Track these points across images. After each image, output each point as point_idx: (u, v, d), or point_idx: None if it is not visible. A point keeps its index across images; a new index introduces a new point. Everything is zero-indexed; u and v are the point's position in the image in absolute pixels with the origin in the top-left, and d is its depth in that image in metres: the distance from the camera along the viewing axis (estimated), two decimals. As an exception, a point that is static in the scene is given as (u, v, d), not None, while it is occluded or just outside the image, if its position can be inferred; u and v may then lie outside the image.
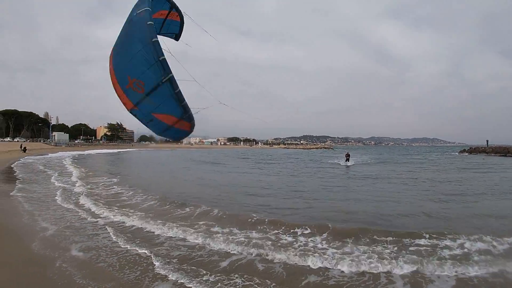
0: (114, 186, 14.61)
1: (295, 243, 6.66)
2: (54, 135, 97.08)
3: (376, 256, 5.80)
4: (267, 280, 4.98)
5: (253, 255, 6.00)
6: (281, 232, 7.43)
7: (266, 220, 8.29)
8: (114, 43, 4.61)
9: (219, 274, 5.17)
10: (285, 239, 6.91)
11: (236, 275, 5.15)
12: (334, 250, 6.16)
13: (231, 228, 7.66)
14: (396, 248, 6.25)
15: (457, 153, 72.00)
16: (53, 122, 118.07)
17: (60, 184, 14.77)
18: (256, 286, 4.83)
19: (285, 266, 5.55)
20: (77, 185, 14.73)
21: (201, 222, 8.22)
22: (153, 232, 7.35)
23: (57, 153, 53.19)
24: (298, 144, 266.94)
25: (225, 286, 4.80)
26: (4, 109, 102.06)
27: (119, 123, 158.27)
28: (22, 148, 48.53)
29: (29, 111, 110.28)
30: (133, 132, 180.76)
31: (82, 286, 4.68)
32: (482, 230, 7.27)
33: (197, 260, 5.78)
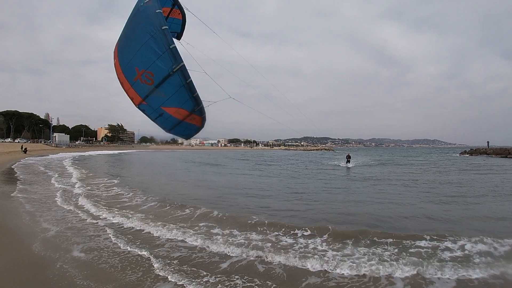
0: (114, 188, 14.62)
1: (295, 245, 6.66)
2: (55, 136, 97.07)
3: (377, 258, 5.79)
4: (267, 282, 4.98)
5: (253, 256, 5.99)
6: (281, 233, 7.42)
7: (266, 222, 8.28)
8: (117, 40, 4.46)
9: (219, 275, 5.17)
10: (285, 241, 6.90)
11: (237, 276, 5.15)
12: (335, 252, 6.14)
13: (231, 230, 7.66)
14: (396, 250, 6.24)
15: (458, 155, 72.03)
16: (54, 123, 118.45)
17: (60, 186, 14.78)
18: (256, 287, 4.83)
19: (285, 267, 5.54)
20: (77, 186, 14.74)
21: (201, 224, 8.21)
22: (153, 234, 7.34)
23: (57, 154, 53.26)
24: (299, 146, 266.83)
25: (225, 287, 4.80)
26: (5, 110, 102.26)
27: (120, 124, 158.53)
28: (23, 149, 48.60)
29: (29, 112, 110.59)
30: (133, 133, 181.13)
31: (83, 287, 4.69)
32: (483, 232, 7.26)
33: (198, 262, 5.78)
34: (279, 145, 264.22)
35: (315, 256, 5.86)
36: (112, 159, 45.81)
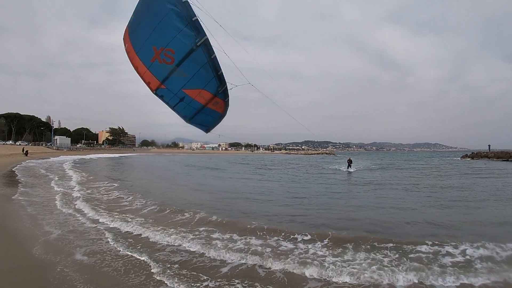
0: (114, 191, 14.61)
1: (295, 250, 6.62)
2: (56, 139, 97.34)
3: (378, 264, 5.74)
4: (268, 286, 4.96)
5: (254, 261, 5.96)
6: (281, 238, 7.38)
7: (266, 226, 8.25)
8: (126, 26, 4.13)
9: (220, 280, 5.15)
10: (285, 246, 6.86)
11: (237, 281, 5.13)
12: (335, 258, 6.09)
13: (231, 234, 7.63)
14: (397, 256, 6.19)
15: (459, 158, 71.74)
16: (55, 126, 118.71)
17: (61, 189, 14.78)
18: (257, 292, 4.80)
19: (285, 272, 5.51)
20: (78, 190, 14.74)
21: (201, 229, 8.19)
22: (153, 238, 7.31)
23: (59, 157, 53.35)
24: (300, 150, 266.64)
25: (225, 292, 4.78)
26: (7, 112, 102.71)
27: (121, 127, 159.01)
28: (24, 152, 48.73)
29: (31, 114, 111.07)
30: (134, 137, 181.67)
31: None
32: (485, 237, 7.22)
33: (198, 266, 5.76)
34: (280, 149, 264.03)
35: (315, 262, 5.82)
36: (113, 163, 45.84)
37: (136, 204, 11.53)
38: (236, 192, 16.19)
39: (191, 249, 6.59)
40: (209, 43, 3.58)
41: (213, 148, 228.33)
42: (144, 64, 3.93)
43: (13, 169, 24.96)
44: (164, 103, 4.17)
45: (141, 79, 4.07)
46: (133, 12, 4.13)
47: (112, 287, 4.85)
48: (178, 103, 4.06)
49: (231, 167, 41.49)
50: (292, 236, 7.48)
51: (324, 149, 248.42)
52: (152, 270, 5.45)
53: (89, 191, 14.61)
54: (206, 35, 3.55)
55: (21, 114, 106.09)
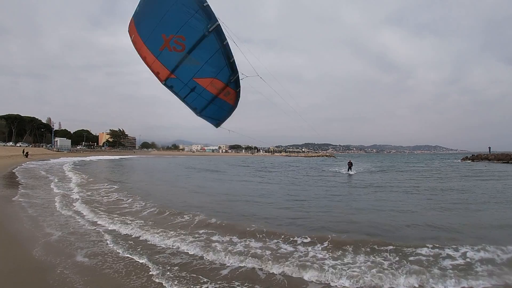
0: (114, 193, 14.59)
1: (295, 253, 6.59)
2: (57, 141, 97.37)
3: (377, 267, 5.71)
4: (269, 288, 4.94)
5: (253, 264, 5.93)
6: (281, 241, 7.34)
7: (266, 229, 8.21)
8: (131, 16, 3.99)
9: (219, 282, 5.14)
10: (285, 249, 6.84)
11: (237, 283, 5.12)
12: (334, 262, 6.06)
13: (231, 237, 7.63)
14: (397, 259, 6.16)
15: (459, 161, 71.61)
16: (56, 127, 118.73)
17: (60, 191, 14.77)
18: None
19: (285, 275, 5.49)
20: (77, 191, 14.74)
21: (200, 231, 8.16)
22: (153, 240, 7.30)
23: (59, 158, 53.34)
24: (300, 152, 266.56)
25: (225, 294, 4.76)
26: (7, 113, 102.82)
27: (121, 129, 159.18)
28: (24, 153, 48.70)
29: (31, 116, 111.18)
30: (135, 139, 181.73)
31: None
32: (486, 240, 7.19)
33: (197, 268, 5.75)
34: (280, 151, 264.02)
35: (315, 265, 5.79)
36: (113, 165, 45.83)
37: (136, 206, 11.51)
38: (236, 194, 16.17)
39: (191, 252, 6.57)
40: (221, 29, 3.48)
41: (213, 151, 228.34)
42: (152, 53, 3.79)
43: (13, 171, 24.99)
44: (174, 95, 4.02)
45: (150, 70, 3.93)
46: (139, 2, 4.02)
47: (112, 289, 4.84)
48: (189, 94, 3.93)
49: (231, 169, 41.48)
50: (291, 239, 7.45)
51: (325, 152, 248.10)
52: (151, 273, 5.43)
53: (89, 193, 14.60)
54: (218, 20, 3.46)
55: (22, 115, 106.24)
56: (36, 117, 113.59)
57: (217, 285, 5.01)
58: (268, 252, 6.54)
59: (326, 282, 5.25)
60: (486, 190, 17.57)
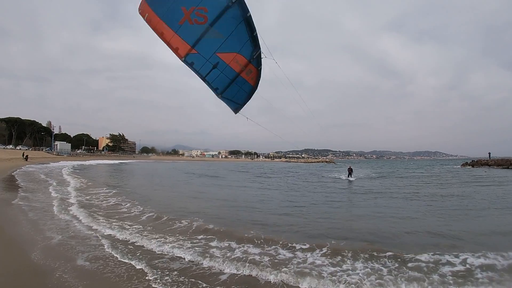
0: (112, 198, 14.55)
1: (293, 259, 6.55)
2: (56, 145, 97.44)
3: (376, 274, 5.68)
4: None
5: (252, 270, 5.89)
6: (279, 247, 7.29)
7: (265, 235, 8.19)
8: None
9: (219, 287, 5.11)
10: (283, 255, 6.80)
11: (237, 288, 5.08)
12: (333, 268, 6.03)
13: (229, 243, 7.59)
14: (397, 265, 6.13)
15: (459, 166, 71.30)
16: (56, 131, 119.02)
17: (59, 195, 14.72)
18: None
19: (284, 281, 5.45)
20: (76, 196, 14.69)
21: (199, 237, 8.13)
22: (151, 246, 7.25)
23: (58, 162, 53.39)
24: (300, 158, 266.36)
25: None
26: (8, 116, 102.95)
27: (121, 134, 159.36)
28: (24, 157, 48.75)
29: (32, 119, 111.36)
30: (135, 144, 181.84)
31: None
32: (486, 246, 7.17)
33: (196, 274, 5.72)
34: (280, 157, 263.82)
35: (313, 272, 5.75)
36: (112, 169, 45.79)
37: (134, 211, 11.47)
38: (234, 200, 16.12)
39: (189, 257, 6.53)
40: (244, 0, 3.36)
41: (213, 156, 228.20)
42: (171, 28, 3.62)
43: (13, 174, 24.98)
44: (194, 73, 3.82)
45: (168, 46, 3.73)
46: None
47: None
48: (210, 71, 3.77)
49: (230, 175, 41.39)
50: (290, 245, 7.41)
51: (324, 158, 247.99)
52: (150, 278, 5.40)
53: (88, 197, 14.57)
54: None
55: (22, 118, 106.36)
56: (37, 121, 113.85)
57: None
58: (266, 258, 6.50)
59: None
60: (487, 196, 17.53)
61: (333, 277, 5.53)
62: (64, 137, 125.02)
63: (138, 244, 7.40)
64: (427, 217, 11.41)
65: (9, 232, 7.94)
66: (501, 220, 10.80)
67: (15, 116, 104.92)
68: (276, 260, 6.45)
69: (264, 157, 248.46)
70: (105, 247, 7.00)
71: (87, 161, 67.36)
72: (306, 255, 6.74)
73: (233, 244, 7.48)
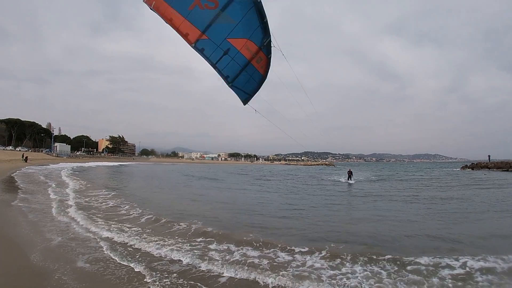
0: (111, 200, 14.53)
1: (293, 262, 6.53)
2: (56, 146, 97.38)
3: (376, 277, 5.66)
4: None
5: (251, 272, 5.88)
6: (278, 250, 7.27)
7: (264, 238, 8.17)
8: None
9: (218, 290, 5.11)
10: (283, 258, 6.78)
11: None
12: (333, 271, 6.00)
13: (228, 245, 7.57)
14: (396, 269, 6.10)
15: (459, 169, 71.23)
16: (56, 133, 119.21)
17: (58, 196, 14.68)
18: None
19: (283, 284, 5.43)
20: (75, 198, 14.66)
21: (198, 239, 8.11)
22: (150, 248, 7.23)
23: (58, 164, 53.31)
24: (299, 161, 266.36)
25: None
26: (7, 117, 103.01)
27: (121, 136, 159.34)
28: (24, 158, 48.70)
29: (32, 120, 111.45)
30: (134, 146, 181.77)
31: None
32: (486, 250, 7.14)
33: (196, 276, 5.70)
34: (280, 160, 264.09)
35: (312, 276, 5.72)
36: (111, 171, 45.76)
37: (133, 214, 11.45)
38: (234, 203, 16.10)
39: (188, 260, 6.50)
40: None
41: (212, 158, 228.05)
42: (180, 13, 3.52)
43: (12, 175, 24.95)
44: (205, 59, 3.75)
45: (177, 32, 3.64)
46: None
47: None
48: (221, 58, 3.70)
49: (229, 177, 41.37)
50: (289, 248, 7.38)
51: (324, 160, 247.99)
52: (149, 280, 5.39)
53: (87, 199, 14.55)
54: None
55: (22, 120, 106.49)
56: (36, 122, 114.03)
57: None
58: (265, 261, 6.48)
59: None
60: (486, 198, 17.50)
61: (332, 281, 5.52)
62: (63, 138, 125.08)
63: (137, 246, 7.37)
64: (427, 220, 11.39)
65: (8, 233, 7.92)
66: (501, 223, 10.78)
67: (15, 117, 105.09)
68: (275, 263, 6.43)
69: (263, 160, 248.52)
70: (104, 249, 6.98)
71: (86, 163, 67.31)
72: (305, 258, 6.73)
73: (232, 247, 7.46)
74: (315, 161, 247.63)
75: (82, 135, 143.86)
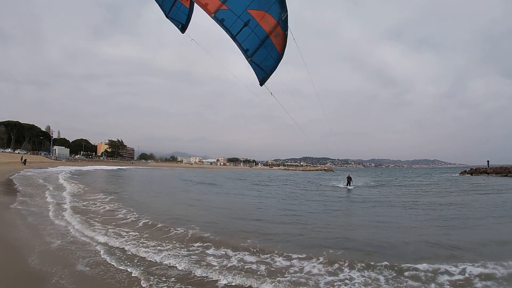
0: (109, 205, 14.44)
1: (291, 268, 6.50)
2: (55, 149, 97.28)
3: (374, 284, 5.64)
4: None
5: (249, 278, 5.84)
6: (276, 256, 7.23)
7: (261, 244, 8.15)
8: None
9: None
10: (280, 263, 6.75)
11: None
12: (330, 278, 5.97)
13: (226, 250, 7.55)
14: (394, 275, 6.08)
15: (458, 174, 71.13)
16: (55, 136, 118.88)
17: (55, 200, 14.62)
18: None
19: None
20: (73, 201, 14.59)
21: (196, 244, 8.08)
22: (148, 253, 7.17)
23: (57, 167, 53.14)
24: (298, 166, 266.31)
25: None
26: (7, 120, 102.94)
27: (120, 140, 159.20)
28: (23, 161, 48.58)
29: (31, 123, 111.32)
30: (133, 150, 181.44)
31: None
32: (485, 256, 7.11)
33: (193, 281, 5.68)
34: (278, 165, 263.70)
35: (310, 282, 5.69)
36: (110, 175, 45.64)
37: (131, 218, 11.40)
38: (231, 208, 16.05)
39: (186, 265, 6.46)
40: None
41: (211, 163, 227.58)
42: None
43: (11, 178, 24.92)
44: (224, 31, 3.67)
45: (196, 3, 3.58)
46: None
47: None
48: (241, 29, 3.61)
49: (228, 182, 41.24)
50: (286, 254, 7.33)
51: (323, 166, 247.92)
52: (145, 285, 5.35)
53: (85, 203, 14.48)
54: None
55: (21, 122, 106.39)
56: (36, 125, 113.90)
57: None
58: (263, 267, 6.45)
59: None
60: (485, 204, 17.49)
61: (330, 287, 5.49)
62: (62, 142, 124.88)
63: (134, 251, 7.32)
64: (426, 226, 11.35)
65: (6, 236, 7.88)
66: (500, 229, 10.77)
67: (14, 120, 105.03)
68: (272, 269, 6.40)
69: (262, 165, 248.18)
70: (101, 254, 6.94)
71: (85, 167, 67.12)
72: (302, 264, 6.69)
73: (230, 252, 7.42)
74: (314, 166, 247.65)
75: (81, 139, 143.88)
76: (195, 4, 4.28)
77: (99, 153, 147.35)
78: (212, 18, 3.54)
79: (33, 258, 6.36)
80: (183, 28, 4.89)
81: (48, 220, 10.28)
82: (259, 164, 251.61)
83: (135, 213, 12.29)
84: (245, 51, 3.91)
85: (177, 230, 9.59)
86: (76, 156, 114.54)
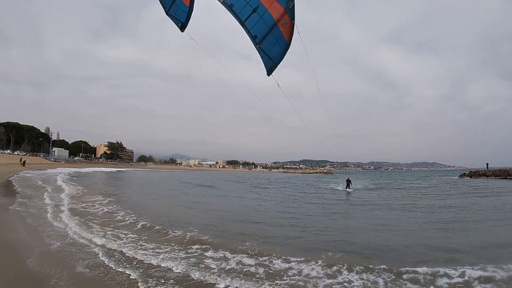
0: (107, 207, 14.43)
1: (289, 271, 6.49)
2: (54, 151, 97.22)
3: (372, 287, 5.63)
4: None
5: (248, 280, 5.83)
6: (274, 259, 7.21)
7: (260, 246, 8.14)
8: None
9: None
10: (279, 267, 6.73)
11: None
12: (329, 281, 5.96)
13: (224, 253, 7.52)
14: (393, 277, 6.08)
15: (457, 177, 70.98)
16: (54, 137, 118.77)
17: (54, 202, 14.60)
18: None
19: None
20: (72, 203, 14.57)
21: (194, 247, 8.06)
22: (146, 255, 7.16)
23: (56, 169, 53.04)
24: (297, 169, 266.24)
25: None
26: (6, 121, 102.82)
27: (119, 142, 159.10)
28: (22, 162, 48.46)
29: (30, 125, 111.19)
30: (132, 152, 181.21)
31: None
32: (485, 259, 7.12)
33: (192, 283, 5.67)
34: (278, 168, 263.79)
35: (308, 285, 5.68)
36: (109, 177, 45.55)
37: (129, 220, 11.38)
38: (230, 211, 16.01)
39: (184, 267, 6.45)
40: None
41: (210, 166, 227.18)
42: None
43: (10, 179, 24.86)
44: (233, 16, 3.68)
45: None
46: None
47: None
48: (250, 15, 3.64)
49: (227, 185, 41.18)
50: (285, 257, 7.32)
51: (322, 168, 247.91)
52: (144, 287, 5.34)
53: (83, 205, 14.45)
54: None
55: (21, 123, 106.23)
56: (35, 126, 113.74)
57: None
58: (261, 270, 6.44)
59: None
60: (485, 207, 17.48)
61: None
62: (62, 143, 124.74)
63: (132, 253, 7.30)
64: (425, 229, 11.34)
65: (5, 237, 7.86)
66: (500, 232, 10.76)
67: (14, 121, 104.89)
68: (271, 271, 6.39)
69: (261, 168, 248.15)
70: (100, 256, 6.93)
71: (84, 169, 67.01)
72: (301, 267, 6.67)
73: (228, 255, 7.41)
74: (313, 169, 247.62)
75: (81, 141, 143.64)
76: (194, 2, 4.36)
77: (98, 155, 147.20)
78: (222, 3, 3.57)
79: (32, 259, 6.35)
80: (182, 27, 4.94)
81: (47, 221, 10.25)
82: (258, 166, 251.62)
83: (133, 215, 12.27)
84: (253, 38, 3.91)
85: (176, 232, 9.58)
86: (75, 158, 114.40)
